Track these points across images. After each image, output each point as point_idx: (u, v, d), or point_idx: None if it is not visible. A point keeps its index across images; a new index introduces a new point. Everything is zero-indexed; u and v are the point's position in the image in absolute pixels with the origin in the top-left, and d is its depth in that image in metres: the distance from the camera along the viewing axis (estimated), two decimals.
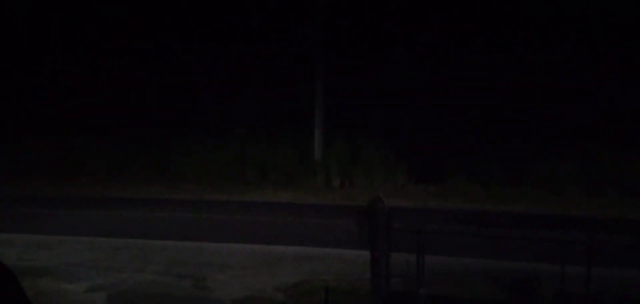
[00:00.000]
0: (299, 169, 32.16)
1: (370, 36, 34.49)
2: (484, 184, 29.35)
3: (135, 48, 36.64)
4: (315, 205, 27.69)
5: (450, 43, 33.35)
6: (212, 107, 34.93)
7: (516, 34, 33.14)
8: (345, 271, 18.75)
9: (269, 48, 34.99)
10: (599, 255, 14.81)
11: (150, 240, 21.79)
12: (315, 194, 29.92)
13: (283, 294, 17.12)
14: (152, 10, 36.88)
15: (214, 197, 29.08)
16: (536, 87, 32.40)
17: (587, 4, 32.24)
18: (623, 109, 30.82)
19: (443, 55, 33.21)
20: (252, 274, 18.68)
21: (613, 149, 29.64)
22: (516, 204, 26.88)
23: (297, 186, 31.17)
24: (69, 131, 34.41)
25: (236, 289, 17.42)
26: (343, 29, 33.77)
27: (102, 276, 18.52)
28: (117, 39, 36.91)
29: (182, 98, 35.83)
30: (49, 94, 35.98)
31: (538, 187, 28.94)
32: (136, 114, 34.77)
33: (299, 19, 33.88)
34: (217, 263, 19.52)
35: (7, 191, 28.68)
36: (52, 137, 34.15)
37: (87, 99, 35.70)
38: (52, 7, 36.92)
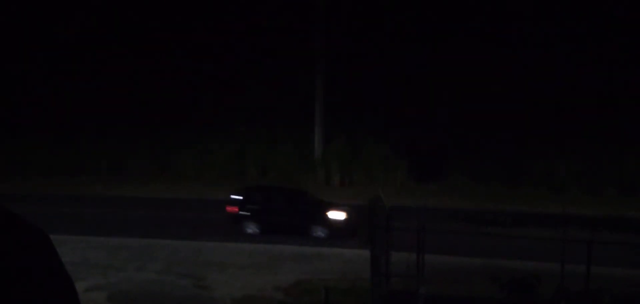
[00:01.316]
0: (299, 167, 32.17)
1: (370, 35, 34.49)
2: (484, 182, 29.37)
3: (136, 47, 36.63)
4: None
5: (450, 42, 33.34)
6: (211, 105, 34.96)
7: (517, 34, 33.13)
8: (345, 270, 18.77)
9: (269, 46, 35.00)
10: (598, 253, 14.86)
11: (151, 239, 21.81)
12: (316, 192, 29.90)
13: (283, 293, 17.14)
14: (153, 10, 36.88)
15: (214, 195, 29.10)
16: (536, 87, 32.41)
17: (587, 5, 32.24)
18: (622, 109, 30.84)
19: (443, 54, 33.20)
20: (252, 273, 18.70)
21: (612, 148, 29.66)
22: (516, 203, 26.89)
23: (298, 183, 31.16)
24: (69, 129, 34.42)
25: (236, 288, 17.44)
26: (343, 28, 33.78)
27: (102, 275, 18.54)
28: (117, 38, 36.90)
29: (182, 96, 35.82)
30: (50, 93, 35.98)
31: (538, 186, 28.96)
32: (137, 113, 34.77)
33: (299, 18, 33.89)
34: (217, 262, 19.54)
35: (7, 188, 28.66)
36: (52, 135, 34.16)
37: (88, 98, 35.70)
38: (53, 7, 36.92)
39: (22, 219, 1.77)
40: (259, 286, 17.60)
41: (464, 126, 31.71)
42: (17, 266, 1.80)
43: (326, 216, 22.03)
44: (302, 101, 34.05)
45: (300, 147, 33.14)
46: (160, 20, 36.75)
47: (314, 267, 19.16)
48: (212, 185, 30.61)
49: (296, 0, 33.97)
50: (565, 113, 31.32)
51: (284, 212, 22.22)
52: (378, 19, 34.82)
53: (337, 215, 22.11)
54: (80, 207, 26.38)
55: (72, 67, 36.66)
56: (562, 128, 30.90)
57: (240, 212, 22.62)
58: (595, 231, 18.14)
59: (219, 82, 35.63)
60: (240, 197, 22.97)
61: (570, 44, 32.38)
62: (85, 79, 36.51)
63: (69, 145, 33.90)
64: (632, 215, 24.66)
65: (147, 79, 36.00)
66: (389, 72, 33.83)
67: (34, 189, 29.57)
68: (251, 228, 22.50)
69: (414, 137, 31.24)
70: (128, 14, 37.03)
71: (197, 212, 25.84)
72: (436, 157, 30.74)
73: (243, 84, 35.26)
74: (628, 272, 17.21)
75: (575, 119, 30.90)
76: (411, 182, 30.38)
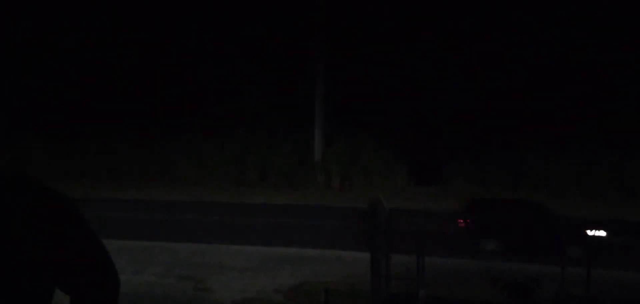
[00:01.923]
0: (298, 170, 32.17)
1: (370, 38, 34.50)
2: (484, 185, 29.33)
3: (135, 50, 36.64)
4: (315, 207, 27.68)
5: (449, 46, 33.34)
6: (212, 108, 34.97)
7: (517, 35, 33.15)
8: (345, 273, 18.73)
9: (269, 49, 35.01)
10: (599, 257, 14.85)
11: (151, 242, 21.78)
12: (315, 196, 29.92)
13: (283, 296, 17.11)
14: (152, 13, 36.90)
15: (214, 198, 29.08)
16: (536, 90, 32.41)
17: (587, 6, 32.25)
18: (622, 112, 30.83)
19: (443, 57, 33.20)
20: (252, 275, 18.67)
21: (613, 151, 29.64)
22: None
23: (297, 187, 31.17)
24: (69, 132, 34.40)
25: (236, 290, 17.41)
26: (343, 31, 33.78)
27: None
28: (116, 41, 36.92)
29: (181, 99, 35.82)
30: (50, 97, 35.98)
31: (538, 188, 28.93)
32: (136, 116, 34.77)
33: (299, 21, 33.90)
34: (217, 265, 19.50)
35: None
36: (52, 139, 34.14)
37: (88, 101, 35.70)
38: (52, 12, 36.93)
39: (48, 186, 1.85)
40: (258, 289, 17.57)
41: (464, 128, 31.71)
42: (46, 230, 1.87)
43: (586, 233, 19.62)
44: (301, 104, 34.06)
45: (300, 150, 33.13)
46: (159, 23, 36.76)
47: (314, 270, 19.13)
48: (212, 188, 30.62)
49: (296, 3, 33.99)
50: (566, 115, 31.31)
51: (531, 228, 19.88)
52: (378, 21, 34.82)
53: (597, 232, 19.73)
54: (81, 210, 26.32)
55: (72, 71, 36.66)
56: (563, 130, 30.88)
57: (475, 228, 20.53)
58: (595, 234, 18.11)
59: (219, 85, 35.64)
60: (469, 211, 21.10)
61: (571, 45, 32.39)
62: (85, 83, 36.51)
63: (69, 149, 33.87)
64: (633, 218, 24.63)
65: (146, 82, 36.01)
66: (389, 75, 33.83)
67: None
68: (490, 245, 20.13)
69: (414, 141, 31.23)
70: (127, 18, 37.04)
71: (196, 216, 25.80)
72: (436, 160, 30.73)
73: (242, 87, 35.26)
74: (629, 275, 17.20)
75: (575, 121, 30.89)
76: (411, 185, 30.37)
